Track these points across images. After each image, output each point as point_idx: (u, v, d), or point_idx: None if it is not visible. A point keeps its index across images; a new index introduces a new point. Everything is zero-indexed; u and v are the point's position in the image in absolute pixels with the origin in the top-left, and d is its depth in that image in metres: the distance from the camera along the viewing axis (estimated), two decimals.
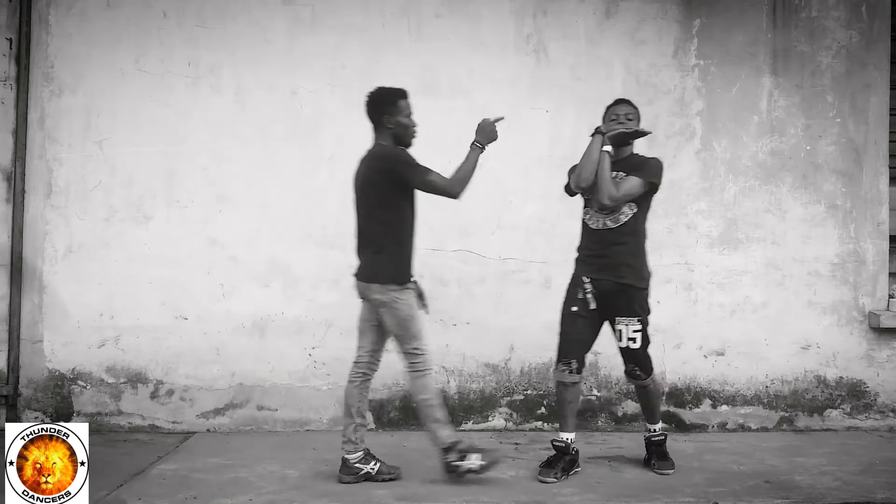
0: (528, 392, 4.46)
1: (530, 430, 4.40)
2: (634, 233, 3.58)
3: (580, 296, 3.56)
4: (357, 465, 3.48)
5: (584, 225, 3.64)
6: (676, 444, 4.15)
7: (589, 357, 4.37)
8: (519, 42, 4.49)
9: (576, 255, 3.69)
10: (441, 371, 4.44)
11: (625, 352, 3.59)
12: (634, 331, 3.55)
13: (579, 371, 3.55)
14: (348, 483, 3.45)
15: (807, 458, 3.89)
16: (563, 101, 4.46)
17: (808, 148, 4.52)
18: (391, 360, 4.42)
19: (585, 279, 3.56)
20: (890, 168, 4.53)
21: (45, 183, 4.43)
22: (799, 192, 4.51)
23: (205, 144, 4.46)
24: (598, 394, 4.46)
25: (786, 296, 4.49)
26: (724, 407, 4.48)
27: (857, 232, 4.50)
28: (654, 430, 3.73)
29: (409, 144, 3.59)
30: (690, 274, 4.49)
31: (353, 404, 3.54)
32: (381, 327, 3.51)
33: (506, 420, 4.46)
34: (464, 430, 4.43)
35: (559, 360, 3.58)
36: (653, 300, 4.43)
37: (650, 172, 3.57)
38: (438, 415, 3.48)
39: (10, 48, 4.42)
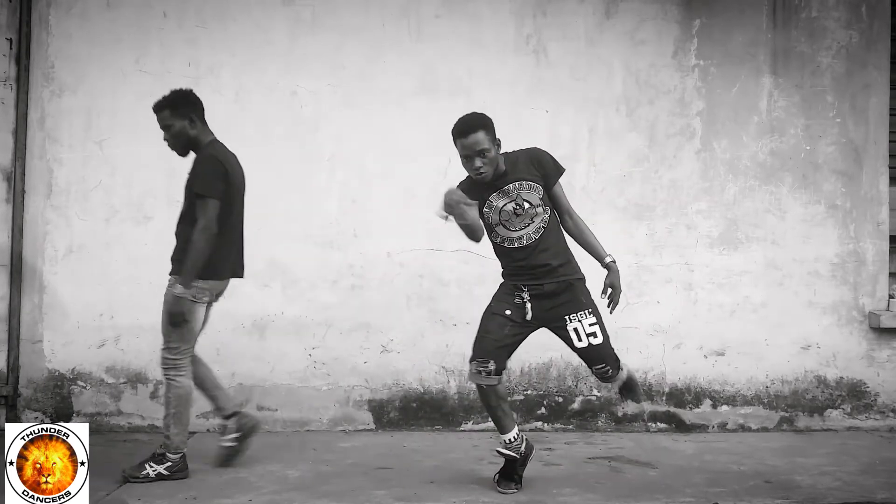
0: (528, 392, 4.46)
1: (530, 430, 4.40)
2: (556, 231, 3.33)
3: (517, 300, 3.28)
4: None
5: (500, 248, 3.33)
6: (677, 445, 4.15)
7: None
8: (519, 42, 4.49)
9: (502, 270, 3.40)
10: (441, 371, 4.45)
11: (588, 352, 3.28)
12: (591, 324, 3.26)
13: (498, 374, 3.27)
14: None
15: (807, 458, 3.89)
16: (563, 102, 4.47)
17: (808, 148, 4.52)
18: (391, 360, 4.44)
19: (524, 286, 3.28)
20: (890, 168, 4.52)
21: (46, 183, 4.43)
22: (799, 192, 4.52)
23: None
24: (598, 394, 4.46)
25: (786, 296, 4.49)
26: (725, 407, 4.48)
27: (857, 232, 4.50)
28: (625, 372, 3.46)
29: None
30: (690, 274, 4.49)
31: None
32: None
33: None
34: (464, 430, 4.43)
35: (475, 358, 3.27)
36: (653, 300, 4.48)
37: (556, 167, 3.34)
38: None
39: (11, 48, 4.42)
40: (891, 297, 4.51)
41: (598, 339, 3.28)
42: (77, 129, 4.44)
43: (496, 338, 3.28)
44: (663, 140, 4.50)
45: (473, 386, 4.40)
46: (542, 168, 3.33)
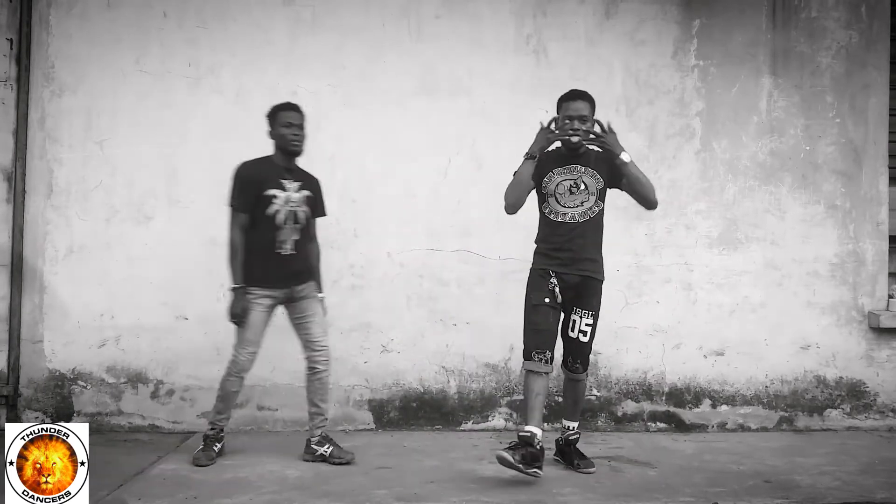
0: None
1: None
2: (599, 227, 3.61)
3: (550, 287, 3.54)
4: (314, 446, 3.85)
5: (545, 218, 3.61)
6: (676, 444, 4.16)
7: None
8: (519, 42, 4.50)
9: (535, 247, 3.67)
10: (441, 371, 4.46)
11: (572, 343, 3.60)
12: (587, 324, 3.57)
13: (551, 361, 3.50)
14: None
15: (806, 458, 3.89)
16: None
17: (808, 148, 4.52)
18: (391, 360, 4.44)
19: (552, 272, 3.55)
20: (889, 168, 4.53)
21: (46, 183, 4.43)
22: (798, 193, 4.52)
23: (205, 144, 4.46)
24: (598, 394, 4.46)
25: (785, 296, 4.49)
26: (724, 407, 4.48)
27: (857, 232, 4.51)
28: (573, 429, 3.73)
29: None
30: (690, 274, 4.50)
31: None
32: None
33: (506, 420, 4.46)
34: (464, 430, 4.44)
35: (534, 350, 3.49)
36: (653, 300, 4.48)
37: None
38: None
39: (11, 48, 4.42)
40: (890, 297, 4.51)
41: (585, 339, 3.60)
42: (77, 129, 4.44)
43: (546, 327, 3.52)
44: (663, 140, 4.50)
45: (473, 386, 4.45)
46: (609, 171, 3.59)
